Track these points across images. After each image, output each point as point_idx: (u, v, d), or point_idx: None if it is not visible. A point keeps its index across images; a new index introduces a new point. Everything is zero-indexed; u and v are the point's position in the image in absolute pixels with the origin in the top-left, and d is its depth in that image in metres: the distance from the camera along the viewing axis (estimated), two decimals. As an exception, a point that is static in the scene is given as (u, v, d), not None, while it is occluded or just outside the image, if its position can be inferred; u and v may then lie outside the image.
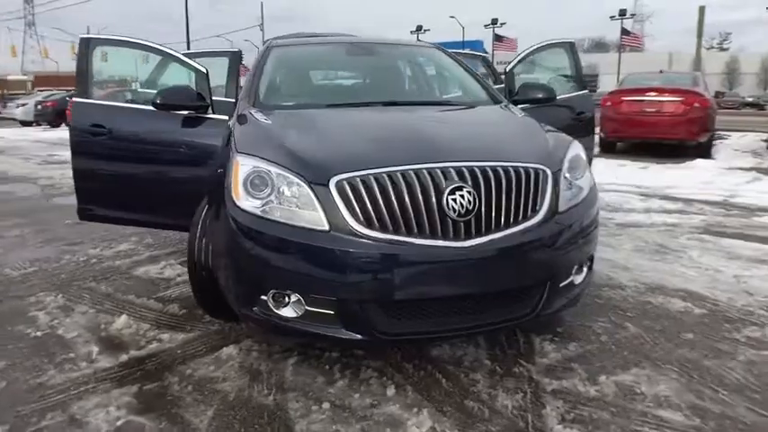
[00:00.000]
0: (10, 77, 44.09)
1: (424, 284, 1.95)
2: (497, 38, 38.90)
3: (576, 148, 2.47)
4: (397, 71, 3.58)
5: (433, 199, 1.94)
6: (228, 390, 2.10)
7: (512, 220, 2.02)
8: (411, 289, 1.94)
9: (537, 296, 2.12)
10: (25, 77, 46.99)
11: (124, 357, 2.36)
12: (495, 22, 39.45)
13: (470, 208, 1.95)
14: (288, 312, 2.04)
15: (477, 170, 2.04)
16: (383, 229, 1.92)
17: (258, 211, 2.03)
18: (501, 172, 2.06)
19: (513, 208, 2.03)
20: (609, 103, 9.79)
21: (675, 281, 3.20)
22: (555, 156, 2.30)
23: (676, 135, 9.14)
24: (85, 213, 3.39)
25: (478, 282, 1.99)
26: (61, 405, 2.00)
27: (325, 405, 1.97)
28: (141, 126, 3.27)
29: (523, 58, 3.94)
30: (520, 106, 3.59)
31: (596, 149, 10.12)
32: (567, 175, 2.30)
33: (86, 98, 3.36)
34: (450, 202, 1.94)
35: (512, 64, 3.84)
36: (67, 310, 2.87)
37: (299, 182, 2.00)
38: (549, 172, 2.17)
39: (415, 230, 1.92)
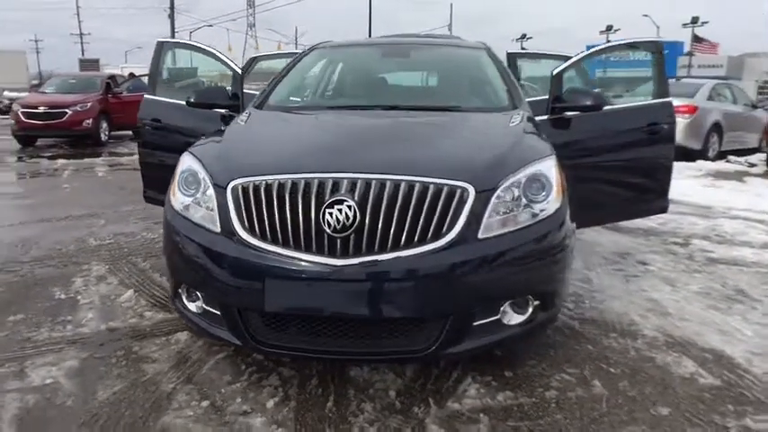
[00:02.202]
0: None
1: (293, 299, 1.88)
2: (696, 39, 33.90)
3: (540, 166, 2.12)
4: (423, 74, 3.43)
5: (312, 211, 1.86)
6: (149, 371, 2.27)
7: (403, 241, 1.84)
8: (281, 302, 1.89)
9: (436, 331, 1.89)
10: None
11: (102, 327, 2.70)
12: (695, 20, 34.39)
13: (348, 224, 1.82)
14: (194, 308, 2.14)
15: (373, 184, 1.89)
16: (263, 237, 1.90)
17: (181, 208, 2.15)
18: (402, 188, 1.88)
19: (407, 228, 1.84)
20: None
21: (714, 339, 2.56)
22: (497, 173, 2.01)
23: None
24: (145, 197, 3.90)
25: (354, 305, 1.85)
26: (24, 358, 2.37)
27: (205, 403, 2.03)
28: (186, 121, 3.65)
29: (579, 61, 3.44)
30: (569, 114, 3.21)
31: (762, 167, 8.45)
32: (519, 194, 2.01)
33: (153, 95, 3.85)
34: (327, 215, 1.83)
35: (561, 67, 3.38)
36: (101, 280, 3.35)
37: (209, 183, 2.08)
38: (471, 191, 1.91)
39: (292, 243, 1.86)
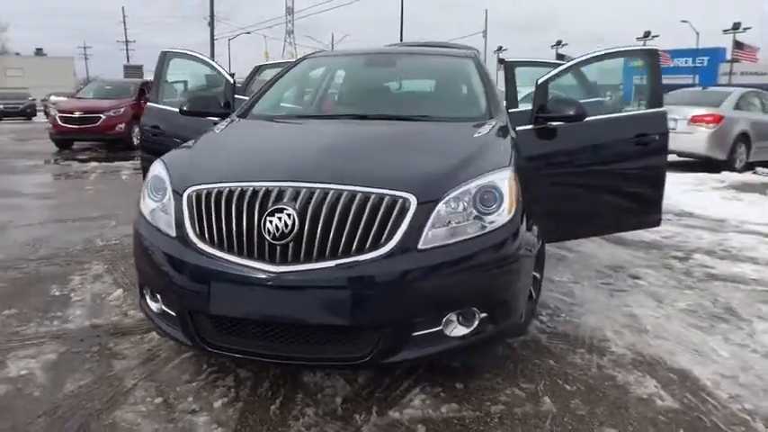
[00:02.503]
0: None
1: (235, 304, 1.94)
2: (737, 45, 32.60)
3: (492, 177, 2.12)
4: (403, 84, 3.46)
5: (255, 218, 1.92)
6: (116, 367, 2.38)
7: (341, 250, 1.88)
8: (224, 306, 1.95)
9: (374, 340, 1.92)
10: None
11: (86, 323, 2.83)
12: (736, 26, 33.12)
13: (287, 232, 1.87)
14: (155, 309, 2.23)
15: (316, 193, 1.94)
16: (211, 243, 1.98)
17: (147, 213, 2.25)
18: (343, 197, 1.92)
19: (345, 237, 1.88)
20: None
21: (685, 359, 2.48)
22: (443, 184, 2.03)
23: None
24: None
25: (289, 311, 1.90)
26: (8, 350, 2.52)
27: (158, 400, 2.12)
28: (183, 129, 3.79)
29: (565, 70, 3.41)
30: (554, 124, 3.19)
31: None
32: (468, 205, 2.02)
33: (155, 102, 4.03)
34: (268, 223, 1.89)
35: (546, 76, 3.35)
36: (97, 279, 3.51)
37: (170, 189, 2.17)
38: (413, 202, 1.93)
39: (236, 249, 1.93)
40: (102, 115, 10.92)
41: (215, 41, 37.60)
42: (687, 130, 8.54)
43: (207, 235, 1.99)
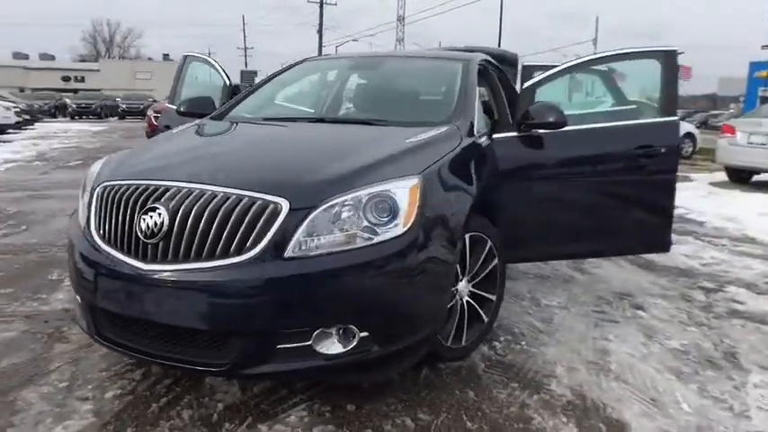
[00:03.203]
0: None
1: (113, 299, 1.99)
2: None
3: (389, 186, 1.97)
4: (376, 88, 3.34)
5: (136, 216, 1.95)
6: (55, 349, 2.53)
7: (205, 253, 1.84)
8: (105, 300, 2.00)
9: (237, 349, 1.85)
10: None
11: (59, 307, 3.05)
12: None
13: (156, 231, 1.87)
14: (78, 298, 2.34)
15: (192, 194, 1.92)
16: (102, 236, 2.05)
17: (79, 206, 2.37)
18: (216, 199, 1.89)
19: (210, 240, 1.85)
20: None
21: (632, 410, 2.12)
22: (325, 190, 1.91)
23: None
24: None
25: (153, 310, 1.90)
26: (-18, 325, 2.78)
27: (63, 384, 2.22)
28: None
29: (558, 74, 3.07)
30: (541, 131, 2.94)
31: None
32: (355, 213, 1.90)
33: (172, 104, 4.26)
34: (141, 221, 1.90)
35: (535, 79, 3.05)
36: (99, 265, 3.78)
37: (90, 185, 2.27)
38: (285, 207, 1.84)
39: (118, 244, 1.98)
40: (189, 115, 11.82)
41: (323, 48, 39.35)
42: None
43: (101, 230, 2.05)
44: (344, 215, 1.90)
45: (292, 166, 2.12)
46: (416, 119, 2.82)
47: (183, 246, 1.86)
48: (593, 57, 3.15)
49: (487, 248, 2.52)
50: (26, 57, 56.12)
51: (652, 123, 2.99)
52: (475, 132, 2.72)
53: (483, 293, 2.55)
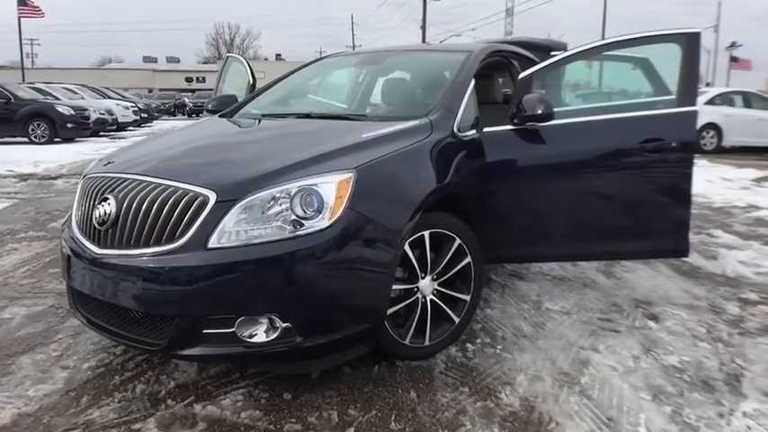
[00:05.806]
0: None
1: (78, 279, 2.20)
2: None
3: (317, 180, 2.01)
4: (372, 84, 3.34)
5: (95, 205, 2.15)
6: (67, 324, 2.84)
7: (142, 240, 1.99)
8: (75, 281, 2.23)
9: (169, 331, 1.98)
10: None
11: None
12: None
13: (105, 219, 2.06)
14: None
15: (140, 186, 2.09)
16: (77, 221, 2.30)
17: None
18: (156, 190, 2.04)
19: (147, 229, 2.00)
20: None
21: (579, 429, 1.93)
22: (251, 184, 1.99)
23: None
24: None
25: (104, 291, 2.09)
26: (17, 298, 3.19)
27: (56, 353, 2.49)
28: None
29: (562, 61, 2.83)
30: (539, 124, 2.82)
31: None
32: (281, 206, 1.96)
33: (212, 103, 4.56)
34: (96, 209, 2.10)
35: (532, 69, 2.85)
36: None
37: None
38: (211, 198, 1.94)
39: (83, 229, 2.22)
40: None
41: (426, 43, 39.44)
42: None
43: (75, 216, 2.30)
44: (274, 208, 1.95)
45: (235, 161, 2.22)
46: (397, 114, 2.78)
47: (126, 233, 2.03)
48: (604, 42, 2.87)
49: (455, 246, 2.43)
50: (155, 60, 62.52)
51: (662, 115, 2.67)
52: (454, 127, 2.62)
53: (453, 293, 2.46)
